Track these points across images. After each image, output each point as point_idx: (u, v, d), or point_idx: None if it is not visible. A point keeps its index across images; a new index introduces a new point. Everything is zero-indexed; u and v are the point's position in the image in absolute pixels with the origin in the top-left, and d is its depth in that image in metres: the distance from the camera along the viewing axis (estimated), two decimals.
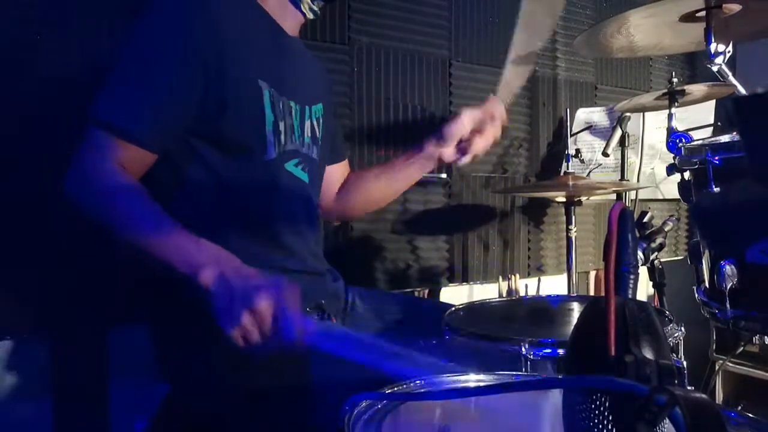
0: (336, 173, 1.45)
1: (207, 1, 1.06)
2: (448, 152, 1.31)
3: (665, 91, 1.63)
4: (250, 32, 1.10)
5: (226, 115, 1.05)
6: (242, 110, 1.06)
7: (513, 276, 2.26)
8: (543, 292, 2.42)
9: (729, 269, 1.11)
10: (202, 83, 1.02)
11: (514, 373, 0.83)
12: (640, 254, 1.47)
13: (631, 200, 2.22)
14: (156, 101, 1.01)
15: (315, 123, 1.25)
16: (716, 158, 1.16)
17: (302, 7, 1.21)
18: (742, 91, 1.39)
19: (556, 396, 0.58)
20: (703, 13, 1.34)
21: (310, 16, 1.23)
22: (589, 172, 2.17)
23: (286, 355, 0.98)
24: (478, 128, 1.28)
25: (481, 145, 1.29)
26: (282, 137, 1.12)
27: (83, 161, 0.99)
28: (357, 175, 1.47)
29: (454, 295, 2.19)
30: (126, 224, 0.96)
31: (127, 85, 1.01)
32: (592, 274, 2.60)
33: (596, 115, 2.29)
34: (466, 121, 1.28)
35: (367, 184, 1.43)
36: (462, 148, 1.30)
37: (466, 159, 1.31)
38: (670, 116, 1.58)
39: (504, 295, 2.23)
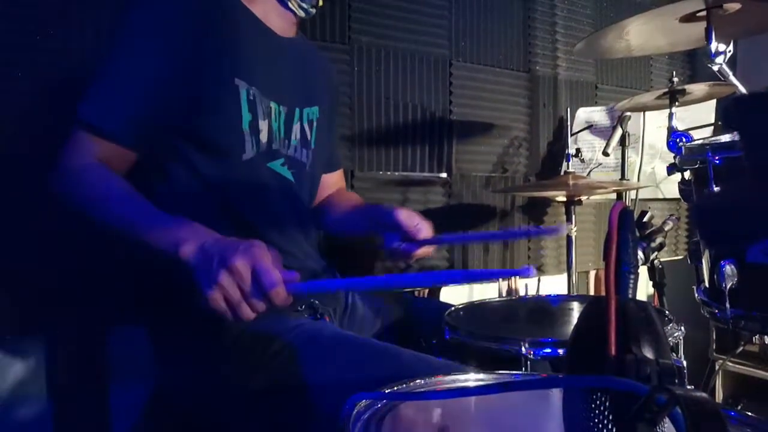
0: (325, 182, 1.41)
1: (184, 1, 1.07)
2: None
3: (666, 90, 1.63)
4: (229, 33, 1.10)
5: (203, 114, 1.06)
6: (218, 109, 1.08)
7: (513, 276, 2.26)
8: (543, 292, 2.41)
9: (729, 269, 1.11)
10: (178, 82, 1.04)
11: (514, 372, 0.83)
12: (640, 254, 1.47)
13: (632, 200, 2.22)
14: (131, 99, 1.03)
15: (306, 126, 1.24)
16: (717, 158, 1.16)
17: (290, 5, 1.20)
18: (743, 90, 1.39)
19: (556, 396, 0.58)
20: (703, 13, 1.34)
21: (301, 14, 1.22)
22: (590, 171, 2.17)
23: (284, 355, 0.99)
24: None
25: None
26: (261, 136, 1.12)
27: (65, 159, 1.02)
28: (338, 197, 1.43)
29: (454, 295, 2.19)
30: (107, 212, 0.98)
31: (105, 85, 1.04)
32: (592, 273, 2.59)
33: (596, 114, 2.29)
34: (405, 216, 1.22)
35: (337, 212, 1.39)
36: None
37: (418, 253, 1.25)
38: (670, 116, 1.58)
39: (504, 295, 2.23)
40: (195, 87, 1.05)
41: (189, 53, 1.04)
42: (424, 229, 1.22)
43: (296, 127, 1.21)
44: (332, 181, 1.45)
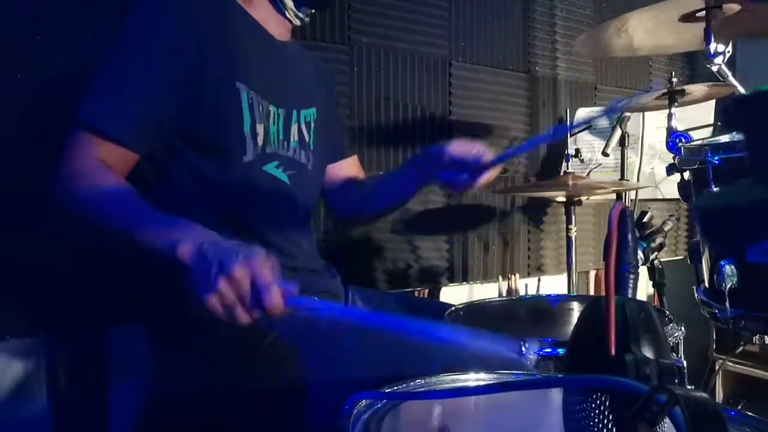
0: (339, 171, 1.43)
1: (187, 4, 1.07)
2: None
3: (665, 90, 1.63)
4: (230, 36, 1.11)
5: (204, 116, 1.06)
6: (220, 112, 1.08)
7: (513, 276, 2.26)
8: (543, 292, 2.41)
9: (729, 269, 1.12)
10: (181, 85, 1.04)
11: (514, 372, 0.83)
12: (640, 254, 1.47)
13: (631, 200, 2.22)
14: (134, 100, 1.02)
15: (304, 127, 1.25)
16: (716, 158, 1.16)
17: (287, 14, 1.22)
18: (742, 91, 1.39)
19: (556, 396, 0.58)
20: (702, 13, 1.34)
21: (297, 22, 1.24)
22: (589, 171, 2.17)
23: (284, 353, 0.99)
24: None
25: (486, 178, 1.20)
26: (259, 139, 1.13)
27: (66, 161, 1.01)
28: (359, 184, 1.44)
29: (454, 295, 2.19)
30: (106, 212, 0.97)
31: (106, 86, 1.03)
32: (592, 273, 2.60)
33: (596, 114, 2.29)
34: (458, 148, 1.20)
35: (370, 186, 1.41)
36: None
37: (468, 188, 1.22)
38: (669, 116, 1.58)
39: (504, 294, 2.23)
40: (196, 89, 1.05)
41: (190, 56, 1.04)
42: (485, 152, 1.18)
43: (294, 129, 1.22)
44: (345, 169, 1.44)
